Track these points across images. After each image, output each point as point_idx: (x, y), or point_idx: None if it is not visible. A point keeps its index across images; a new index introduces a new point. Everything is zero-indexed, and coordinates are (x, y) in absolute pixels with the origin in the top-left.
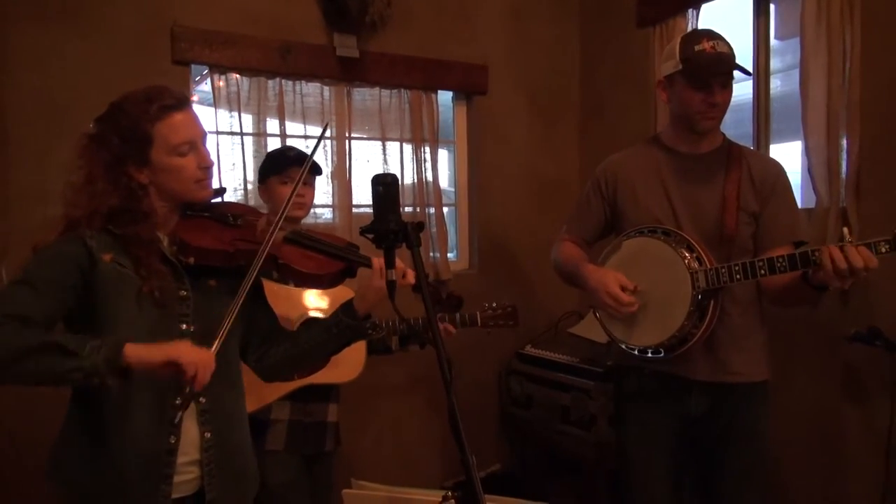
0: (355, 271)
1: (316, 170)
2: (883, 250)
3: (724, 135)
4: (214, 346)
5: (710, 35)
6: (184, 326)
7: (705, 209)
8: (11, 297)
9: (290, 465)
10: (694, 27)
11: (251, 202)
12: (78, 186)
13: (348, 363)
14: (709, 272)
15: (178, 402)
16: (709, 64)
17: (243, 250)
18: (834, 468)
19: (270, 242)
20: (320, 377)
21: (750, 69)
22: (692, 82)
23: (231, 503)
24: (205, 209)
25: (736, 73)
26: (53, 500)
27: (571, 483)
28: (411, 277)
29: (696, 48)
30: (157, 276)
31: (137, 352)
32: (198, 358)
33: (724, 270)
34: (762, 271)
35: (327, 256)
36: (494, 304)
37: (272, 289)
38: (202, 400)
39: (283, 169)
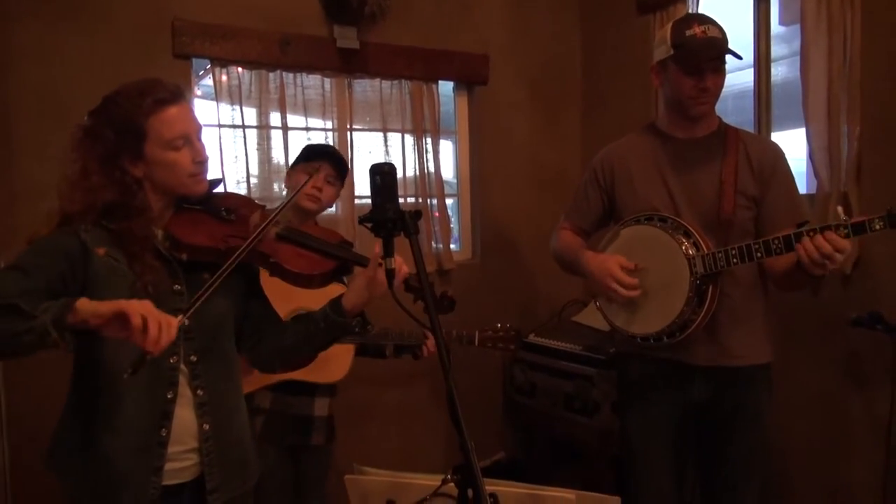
0: (349, 270)
1: (342, 169)
2: (877, 227)
3: (719, 118)
4: (179, 318)
5: (702, 19)
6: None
7: (703, 193)
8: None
9: (266, 455)
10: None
11: (254, 195)
12: (73, 180)
13: (332, 364)
14: (706, 257)
15: (129, 370)
16: (700, 49)
17: (235, 247)
18: (835, 452)
19: (258, 239)
20: (300, 374)
21: (751, 56)
22: (684, 68)
23: (231, 493)
24: (199, 202)
25: (732, 59)
26: (55, 491)
27: (575, 470)
28: (405, 269)
29: (688, 33)
30: (150, 272)
31: (89, 305)
32: (151, 314)
33: (720, 255)
34: (758, 254)
35: (320, 255)
36: (498, 326)
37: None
38: (200, 392)
39: (312, 158)
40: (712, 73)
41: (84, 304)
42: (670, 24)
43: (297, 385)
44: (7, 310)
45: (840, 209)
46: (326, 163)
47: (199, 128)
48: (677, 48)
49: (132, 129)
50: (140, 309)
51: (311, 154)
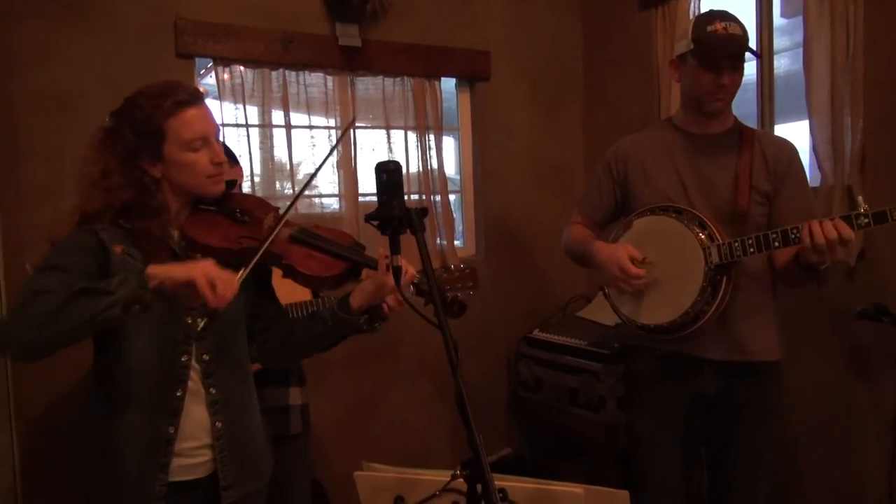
0: (360, 272)
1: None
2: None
3: (735, 117)
4: (240, 273)
5: (724, 16)
6: (190, 320)
7: (717, 187)
8: (37, 280)
9: None
10: (696, 8)
11: (257, 193)
12: (93, 180)
13: None
14: (721, 246)
15: (201, 320)
16: (719, 45)
17: (249, 248)
18: (841, 444)
19: (270, 240)
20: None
21: (753, 48)
22: (702, 62)
23: (245, 489)
24: (214, 204)
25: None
26: (63, 483)
27: (581, 465)
28: (411, 271)
29: (709, 28)
30: None
31: (160, 269)
32: (216, 275)
33: (737, 244)
34: (776, 243)
35: (332, 257)
36: (452, 267)
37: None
38: (212, 391)
39: None
40: (730, 70)
41: (156, 269)
42: (693, 19)
43: (269, 376)
44: (82, 293)
45: (860, 198)
46: None
47: (217, 129)
48: (697, 43)
49: (152, 130)
50: (206, 272)
51: None
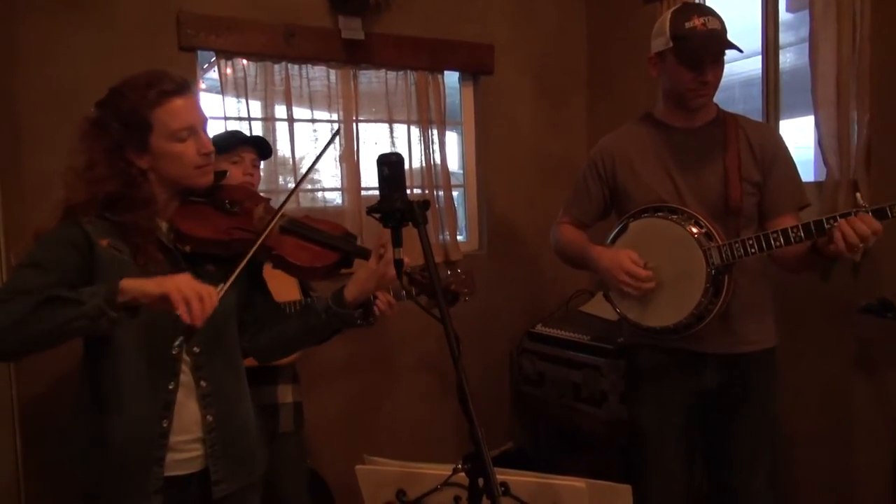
0: (352, 262)
1: (265, 152)
2: None
3: (716, 105)
4: (219, 288)
5: (701, 10)
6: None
7: (708, 183)
8: (18, 278)
9: None
10: (702, 1)
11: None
12: (79, 171)
13: None
14: (722, 248)
15: (178, 341)
16: (701, 43)
17: (239, 239)
18: (844, 440)
19: (266, 235)
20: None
21: (759, 43)
22: (684, 61)
23: (237, 483)
24: (203, 195)
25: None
26: (66, 480)
27: (583, 459)
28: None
29: (687, 25)
30: (154, 263)
31: (133, 285)
32: (192, 290)
33: (737, 245)
34: (777, 243)
35: (323, 247)
36: (448, 272)
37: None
38: (203, 384)
39: (232, 148)
40: (712, 65)
41: (128, 284)
42: (668, 14)
43: (257, 375)
44: (52, 302)
45: (858, 195)
46: (251, 149)
47: (204, 120)
48: (677, 41)
49: (138, 121)
50: (181, 287)
51: (231, 143)
